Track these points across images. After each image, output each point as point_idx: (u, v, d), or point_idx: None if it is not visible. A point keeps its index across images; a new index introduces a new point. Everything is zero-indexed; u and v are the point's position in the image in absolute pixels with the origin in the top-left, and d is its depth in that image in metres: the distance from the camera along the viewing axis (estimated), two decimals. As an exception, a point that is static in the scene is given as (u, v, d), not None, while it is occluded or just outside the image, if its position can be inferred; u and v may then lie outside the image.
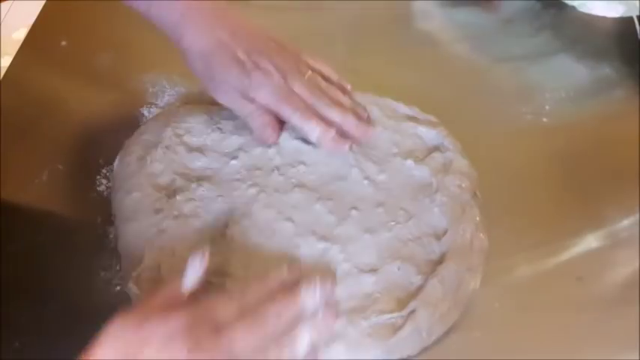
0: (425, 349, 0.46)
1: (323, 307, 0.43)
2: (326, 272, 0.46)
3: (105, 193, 0.54)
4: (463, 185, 0.52)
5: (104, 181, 0.55)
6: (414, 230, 0.49)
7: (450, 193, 0.52)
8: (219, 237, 0.49)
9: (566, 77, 0.65)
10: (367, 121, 0.55)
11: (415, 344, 0.45)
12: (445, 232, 0.49)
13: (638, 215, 0.54)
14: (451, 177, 0.53)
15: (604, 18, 0.66)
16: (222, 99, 0.53)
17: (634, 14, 0.64)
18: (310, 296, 0.43)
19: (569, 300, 0.49)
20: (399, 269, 0.47)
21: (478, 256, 0.49)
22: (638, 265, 0.51)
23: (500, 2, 0.72)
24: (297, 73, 0.53)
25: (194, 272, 0.43)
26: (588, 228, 0.53)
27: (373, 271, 0.47)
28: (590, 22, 0.67)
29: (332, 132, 0.52)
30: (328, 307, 0.43)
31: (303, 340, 0.41)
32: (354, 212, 0.50)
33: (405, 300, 0.46)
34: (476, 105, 0.62)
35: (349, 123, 0.53)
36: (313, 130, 0.52)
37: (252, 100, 0.52)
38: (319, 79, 0.54)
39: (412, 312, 0.45)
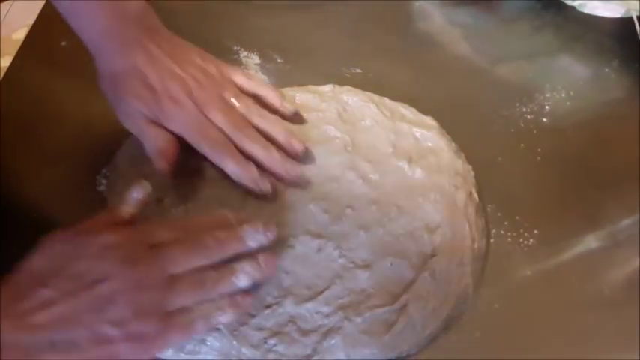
0: (425, 349, 0.46)
1: (264, 251, 0.44)
2: (269, 224, 0.46)
3: (105, 193, 0.54)
4: (458, 185, 0.53)
5: (104, 181, 0.55)
6: (406, 225, 0.50)
7: (444, 191, 0.52)
8: None
9: (566, 77, 0.65)
10: (303, 153, 0.51)
11: (410, 339, 0.45)
12: (438, 227, 0.50)
13: (638, 215, 0.54)
14: (446, 177, 0.53)
15: (604, 18, 0.65)
16: (126, 122, 0.51)
17: (634, 14, 0.64)
18: (252, 235, 0.43)
19: (569, 300, 0.49)
20: (391, 264, 0.47)
21: (471, 254, 0.49)
22: (638, 265, 0.51)
23: (500, 2, 0.72)
24: (218, 102, 0.50)
25: (134, 196, 0.43)
26: (588, 228, 0.53)
27: (367, 266, 0.47)
28: (590, 22, 0.67)
29: (251, 171, 0.48)
30: (269, 253, 0.44)
31: (243, 272, 0.42)
32: (348, 211, 0.50)
33: (398, 294, 0.46)
34: (476, 105, 0.62)
35: (272, 161, 0.49)
36: (230, 167, 0.48)
37: (161, 127, 0.50)
38: (250, 103, 0.51)
39: (404, 306, 0.46)
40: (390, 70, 0.64)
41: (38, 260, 0.39)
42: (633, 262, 0.51)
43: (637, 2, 0.64)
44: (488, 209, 0.54)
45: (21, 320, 0.36)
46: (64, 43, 0.65)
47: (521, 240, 0.52)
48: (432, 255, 0.48)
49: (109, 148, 0.56)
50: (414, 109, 0.58)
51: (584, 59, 0.67)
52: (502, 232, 0.52)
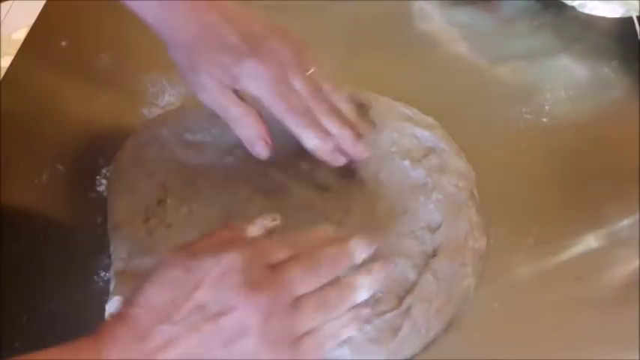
0: (425, 349, 0.46)
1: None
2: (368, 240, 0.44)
3: (105, 193, 0.54)
4: (460, 185, 0.52)
5: (104, 181, 0.55)
6: (408, 224, 0.49)
7: (446, 191, 0.52)
8: None
9: (566, 77, 0.65)
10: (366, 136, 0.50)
11: (416, 342, 0.45)
12: (439, 227, 0.49)
13: (638, 215, 0.54)
14: (447, 177, 0.53)
15: (604, 18, 0.66)
16: (202, 95, 0.47)
17: (634, 14, 0.64)
18: (360, 248, 0.41)
19: (569, 300, 0.49)
20: (396, 265, 0.47)
21: (472, 254, 0.49)
22: (638, 265, 0.51)
23: (500, 2, 0.72)
24: (300, 66, 0.47)
25: (264, 223, 0.41)
26: (588, 228, 0.53)
27: None
28: (590, 22, 0.67)
29: (330, 144, 0.47)
30: (381, 263, 0.41)
31: (362, 287, 0.40)
32: (352, 212, 0.50)
33: (402, 296, 0.46)
34: (475, 105, 0.62)
35: (346, 139, 0.47)
36: (311, 138, 0.46)
37: (241, 98, 0.46)
38: (322, 79, 0.49)
39: (409, 309, 0.45)
40: (390, 70, 0.64)
41: (155, 292, 0.35)
42: (633, 262, 0.51)
43: (637, 2, 0.64)
44: (489, 209, 0.54)
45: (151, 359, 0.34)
46: (64, 43, 0.65)
47: (521, 240, 0.52)
48: (434, 255, 0.48)
49: (109, 148, 0.56)
50: (414, 109, 0.58)
51: (583, 59, 0.67)
52: (502, 232, 0.52)
